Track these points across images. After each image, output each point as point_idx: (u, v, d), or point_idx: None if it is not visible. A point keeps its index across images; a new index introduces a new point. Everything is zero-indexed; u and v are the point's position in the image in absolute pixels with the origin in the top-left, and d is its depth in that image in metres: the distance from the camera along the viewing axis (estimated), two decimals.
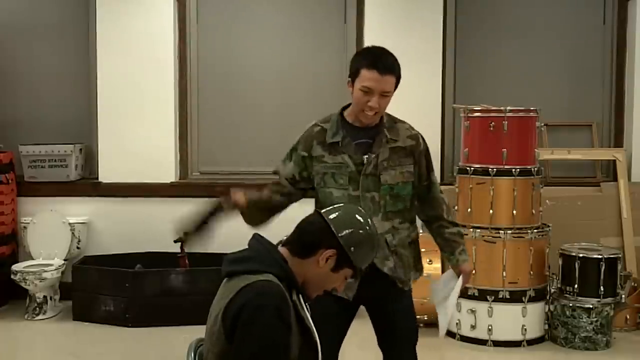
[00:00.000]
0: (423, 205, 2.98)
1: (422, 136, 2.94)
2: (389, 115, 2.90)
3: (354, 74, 2.77)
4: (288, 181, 2.93)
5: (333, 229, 2.11)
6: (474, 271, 3.13)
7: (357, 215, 2.18)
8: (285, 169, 2.95)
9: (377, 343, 3.01)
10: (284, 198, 2.94)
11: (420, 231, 3.08)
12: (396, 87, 2.79)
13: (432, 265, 4.88)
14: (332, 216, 2.15)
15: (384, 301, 2.90)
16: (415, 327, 3.01)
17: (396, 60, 2.77)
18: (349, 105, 2.89)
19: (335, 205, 2.26)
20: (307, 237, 2.14)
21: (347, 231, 2.11)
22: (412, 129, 2.93)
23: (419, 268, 3.00)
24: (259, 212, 2.96)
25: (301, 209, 2.58)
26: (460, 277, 2.98)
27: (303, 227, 2.18)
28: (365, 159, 2.79)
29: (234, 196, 2.88)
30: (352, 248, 2.10)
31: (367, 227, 2.16)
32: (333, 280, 2.15)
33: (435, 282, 3.13)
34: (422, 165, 2.90)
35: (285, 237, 2.20)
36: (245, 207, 2.89)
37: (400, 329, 2.95)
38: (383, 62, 2.73)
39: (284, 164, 2.96)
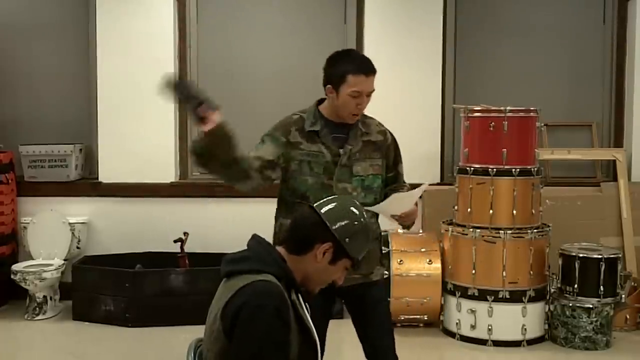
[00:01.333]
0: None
1: (390, 132, 3.07)
2: None
3: (338, 81, 2.85)
4: (265, 162, 2.88)
5: (326, 222, 2.12)
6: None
7: (350, 207, 2.20)
8: (265, 150, 2.91)
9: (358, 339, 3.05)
10: (256, 172, 2.87)
11: (400, 230, 3.12)
12: None
13: (432, 265, 4.89)
14: (324, 209, 2.16)
15: (357, 293, 2.95)
16: (387, 317, 3.06)
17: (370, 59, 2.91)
18: (323, 99, 2.98)
19: (327, 198, 2.27)
20: (302, 233, 2.15)
21: (340, 223, 2.12)
22: (381, 125, 3.07)
23: (384, 263, 3.10)
24: (219, 151, 2.81)
25: None
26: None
27: (297, 223, 2.19)
28: (341, 151, 2.89)
29: (211, 115, 2.70)
30: (347, 239, 2.12)
31: (361, 218, 2.18)
32: (332, 273, 2.17)
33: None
34: (389, 158, 3.03)
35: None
36: (213, 130, 2.71)
37: (377, 317, 3.01)
38: (366, 64, 2.87)
39: (262, 145, 2.93)
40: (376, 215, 2.99)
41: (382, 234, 3.08)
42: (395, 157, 3.07)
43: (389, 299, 3.12)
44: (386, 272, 3.12)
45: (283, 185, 2.99)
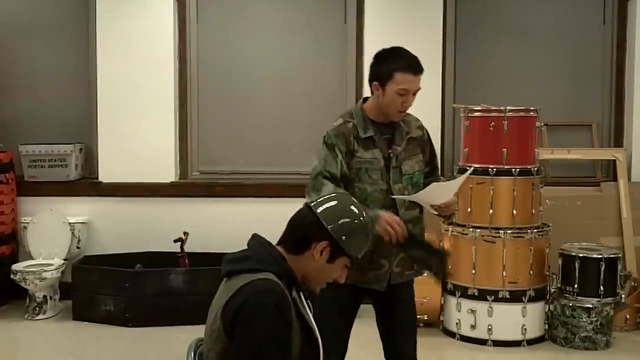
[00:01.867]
0: None
1: (424, 126, 3.11)
2: None
3: (385, 78, 2.84)
4: (340, 177, 2.85)
5: (322, 220, 2.12)
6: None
7: (350, 205, 2.19)
8: (336, 165, 2.86)
9: (379, 335, 3.06)
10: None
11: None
12: None
13: None
14: (321, 208, 2.15)
15: (392, 290, 2.96)
16: (416, 315, 3.14)
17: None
18: (364, 99, 2.98)
19: (327, 196, 2.26)
20: (299, 232, 2.15)
21: (337, 222, 2.12)
22: (418, 120, 3.09)
23: None
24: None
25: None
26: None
27: (294, 223, 2.19)
28: (390, 153, 2.91)
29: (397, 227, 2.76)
30: (344, 237, 2.11)
31: (361, 217, 2.16)
32: (332, 271, 2.16)
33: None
34: (427, 153, 3.07)
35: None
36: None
37: (405, 316, 3.04)
38: (415, 63, 2.87)
39: (332, 159, 2.86)
40: (421, 210, 2.98)
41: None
42: (432, 151, 3.10)
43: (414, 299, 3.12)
44: None
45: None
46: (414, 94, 2.87)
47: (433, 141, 3.16)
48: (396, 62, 2.85)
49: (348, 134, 2.89)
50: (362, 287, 2.90)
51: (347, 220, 2.13)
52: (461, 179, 2.94)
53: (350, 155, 2.89)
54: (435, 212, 2.92)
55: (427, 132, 3.10)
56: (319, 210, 2.14)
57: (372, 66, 2.92)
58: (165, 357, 4.52)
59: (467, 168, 4.72)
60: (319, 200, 2.21)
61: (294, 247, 2.13)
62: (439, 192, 2.88)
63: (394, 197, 2.86)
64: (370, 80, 2.91)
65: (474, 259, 4.68)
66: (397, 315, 3.02)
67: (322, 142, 2.91)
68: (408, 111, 2.97)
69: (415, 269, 2.99)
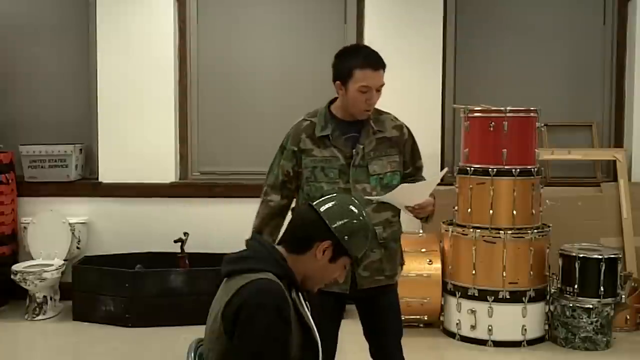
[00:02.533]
0: None
1: (406, 126, 3.00)
2: (374, 108, 2.94)
3: (345, 76, 2.81)
4: (283, 177, 2.94)
5: (326, 220, 2.12)
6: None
7: (349, 205, 2.19)
8: (279, 170, 2.96)
9: (362, 334, 3.04)
10: (282, 202, 2.97)
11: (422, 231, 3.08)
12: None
13: (432, 266, 4.89)
14: (324, 208, 2.15)
15: (372, 296, 2.93)
16: (400, 322, 3.06)
17: (379, 53, 2.86)
18: (334, 99, 2.93)
19: (327, 196, 2.26)
20: (301, 232, 2.15)
21: (340, 222, 2.12)
22: (397, 119, 2.99)
23: (402, 262, 3.07)
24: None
25: None
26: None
27: (296, 222, 2.19)
28: (354, 152, 2.84)
29: None
30: (346, 237, 2.11)
31: (361, 217, 2.17)
32: (332, 271, 2.16)
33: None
34: (407, 153, 2.97)
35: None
36: None
37: (388, 324, 3.00)
38: (374, 58, 2.81)
39: (273, 166, 2.98)
40: (398, 214, 2.93)
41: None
42: (413, 153, 2.99)
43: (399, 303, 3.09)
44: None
45: (300, 192, 2.94)
46: (378, 90, 2.81)
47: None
48: (354, 59, 2.81)
49: (300, 133, 2.91)
50: (328, 292, 2.76)
51: (349, 220, 2.14)
52: (436, 179, 2.82)
53: (301, 153, 2.89)
54: (411, 214, 2.85)
55: (408, 131, 2.98)
56: (321, 210, 2.14)
57: (334, 65, 2.89)
58: (166, 357, 4.52)
59: (467, 169, 4.76)
60: (320, 200, 2.21)
61: (296, 247, 2.13)
62: (411, 193, 2.79)
63: (367, 197, 2.79)
64: (334, 80, 2.87)
65: (474, 260, 4.68)
66: (379, 322, 2.98)
67: None
68: (386, 110, 2.95)
69: (386, 275, 2.91)
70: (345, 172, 2.84)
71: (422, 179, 2.99)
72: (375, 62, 2.80)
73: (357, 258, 2.17)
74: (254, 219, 3.01)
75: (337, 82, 2.85)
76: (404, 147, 2.95)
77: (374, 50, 2.87)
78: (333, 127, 2.87)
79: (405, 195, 2.78)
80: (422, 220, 3.00)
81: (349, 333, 3.27)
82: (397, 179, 2.91)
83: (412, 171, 3.00)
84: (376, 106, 2.90)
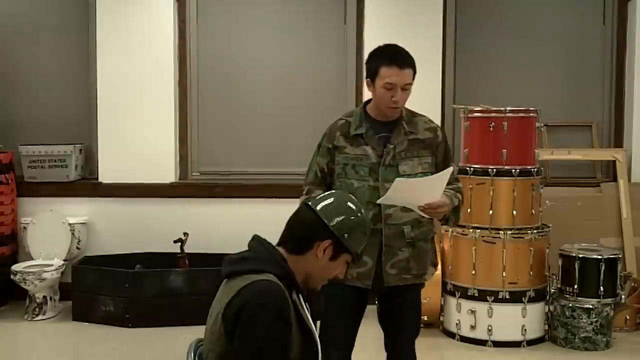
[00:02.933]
0: None
1: (441, 129, 3.05)
2: (407, 109, 2.99)
3: (373, 74, 2.87)
4: (320, 174, 2.98)
5: (324, 219, 2.12)
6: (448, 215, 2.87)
7: (347, 202, 2.20)
8: (312, 170, 3.01)
9: (378, 323, 3.08)
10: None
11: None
12: (414, 78, 2.89)
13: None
14: (320, 206, 2.16)
15: (394, 293, 2.96)
16: (419, 321, 3.12)
17: (410, 53, 2.90)
18: (370, 100, 2.98)
19: (324, 194, 2.28)
20: (300, 233, 2.15)
21: (337, 219, 2.13)
22: (431, 122, 3.04)
23: (435, 264, 3.08)
24: None
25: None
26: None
27: (294, 223, 2.19)
28: (384, 151, 2.88)
29: None
30: (346, 235, 2.12)
31: (359, 213, 2.18)
32: (334, 269, 2.17)
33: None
34: (438, 156, 2.99)
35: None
36: None
37: (406, 321, 3.03)
38: (401, 56, 2.85)
39: (312, 164, 3.02)
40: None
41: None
42: (445, 156, 3.01)
43: (421, 303, 3.12)
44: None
45: (332, 189, 2.96)
46: (404, 89, 2.84)
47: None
48: (382, 57, 2.87)
49: (335, 131, 2.96)
50: (351, 285, 2.88)
51: (346, 217, 2.14)
52: (440, 175, 2.77)
53: (335, 150, 2.94)
54: (426, 216, 2.83)
55: (442, 134, 3.02)
56: (318, 209, 2.14)
57: (365, 63, 2.96)
58: (165, 357, 4.52)
59: (467, 169, 4.75)
60: (316, 199, 2.21)
61: (296, 248, 2.13)
62: (412, 191, 2.74)
63: (378, 202, 2.79)
64: (365, 78, 2.94)
65: (474, 260, 4.68)
66: (399, 318, 3.02)
67: None
68: (422, 113, 3.00)
69: (413, 274, 2.94)
70: (376, 171, 2.88)
71: (455, 184, 2.99)
72: (401, 60, 2.84)
73: (357, 254, 2.17)
74: None
75: (367, 79, 2.91)
76: (437, 149, 2.98)
77: (403, 50, 2.90)
78: (367, 127, 2.92)
79: (407, 193, 2.75)
80: (441, 223, 3.01)
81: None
82: None
83: None
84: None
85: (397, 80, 2.82)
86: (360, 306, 3.02)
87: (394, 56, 2.85)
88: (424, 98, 5.53)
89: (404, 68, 2.83)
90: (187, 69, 5.71)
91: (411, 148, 2.92)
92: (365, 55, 3.03)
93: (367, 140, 2.90)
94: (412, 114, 2.99)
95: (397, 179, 2.76)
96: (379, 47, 2.96)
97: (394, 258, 2.89)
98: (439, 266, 4.86)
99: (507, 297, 4.65)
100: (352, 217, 2.15)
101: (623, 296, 4.72)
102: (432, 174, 2.92)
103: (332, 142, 2.95)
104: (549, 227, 4.83)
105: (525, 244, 4.67)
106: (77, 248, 5.51)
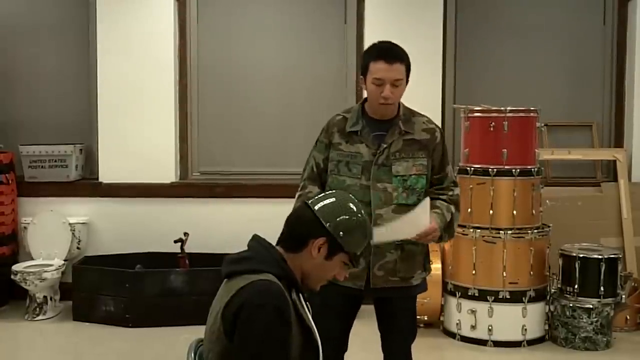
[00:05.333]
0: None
1: (440, 130, 2.99)
2: (407, 108, 2.96)
3: (364, 70, 2.86)
4: (316, 169, 2.97)
5: (320, 217, 2.12)
6: (439, 236, 2.87)
7: (348, 203, 2.19)
8: (309, 166, 3.00)
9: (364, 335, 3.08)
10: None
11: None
12: (408, 75, 2.87)
13: (432, 266, 4.86)
14: (318, 205, 2.15)
15: (387, 296, 2.94)
16: (414, 325, 3.09)
17: (403, 49, 2.87)
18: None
19: (324, 193, 2.27)
20: (297, 230, 2.15)
21: (335, 218, 2.12)
22: (430, 122, 2.98)
23: (427, 268, 3.05)
24: None
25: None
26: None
27: (292, 221, 2.19)
28: (378, 151, 2.85)
29: None
30: (341, 233, 2.11)
31: (359, 214, 2.17)
32: (330, 269, 2.16)
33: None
34: (435, 158, 2.93)
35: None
36: None
37: (400, 325, 3.01)
38: (390, 51, 2.83)
39: (310, 160, 3.00)
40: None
41: None
42: (442, 158, 2.94)
43: (415, 307, 3.11)
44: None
45: (326, 187, 2.96)
46: (394, 85, 2.80)
47: None
48: (371, 53, 2.86)
49: (332, 127, 2.95)
50: (343, 286, 2.80)
51: (345, 217, 2.14)
52: (418, 209, 2.76)
53: (331, 147, 2.92)
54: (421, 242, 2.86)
55: (440, 136, 2.94)
56: (316, 208, 2.14)
57: (361, 61, 2.96)
58: (166, 357, 4.52)
59: (467, 169, 4.75)
60: (316, 198, 2.21)
61: (293, 245, 2.13)
62: (402, 228, 2.75)
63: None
64: (360, 77, 2.94)
65: (474, 260, 4.68)
66: (392, 322, 3.00)
67: None
68: (424, 113, 2.99)
69: (400, 276, 2.90)
70: (368, 169, 2.85)
71: (448, 187, 2.97)
72: (389, 55, 2.81)
73: (355, 254, 2.16)
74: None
75: (361, 77, 2.90)
76: (434, 151, 2.92)
77: (393, 45, 2.88)
78: (363, 124, 2.89)
79: (392, 235, 2.77)
80: (435, 242, 2.99)
81: (351, 333, 3.26)
82: (422, 182, 2.88)
83: (440, 177, 2.95)
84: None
85: (385, 75, 2.79)
86: (352, 307, 2.99)
87: (382, 52, 2.83)
88: (424, 98, 5.54)
89: (392, 63, 2.79)
90: (187, 69, 5.71)
91: (406, 148, 2.87)
92: None
93: (362, 138, 2.88)
94: (412, 114, 2.95)
95: (374, 229, 2.67)
96: (372, 44, 2.95)
97: (382, 260, 2.86)
98: (440, 266, 4.87)
99: (508, 297, 4.65)
100: (352, 218, 2.15)
101: (623, 296, 4.72)
102: (427, 176, 2.89)
103: (329, 137, 2.93)
104: (549, 227, 4.83)
105: (526, 243, 4.67)
106: (78, 248, 5.51)
